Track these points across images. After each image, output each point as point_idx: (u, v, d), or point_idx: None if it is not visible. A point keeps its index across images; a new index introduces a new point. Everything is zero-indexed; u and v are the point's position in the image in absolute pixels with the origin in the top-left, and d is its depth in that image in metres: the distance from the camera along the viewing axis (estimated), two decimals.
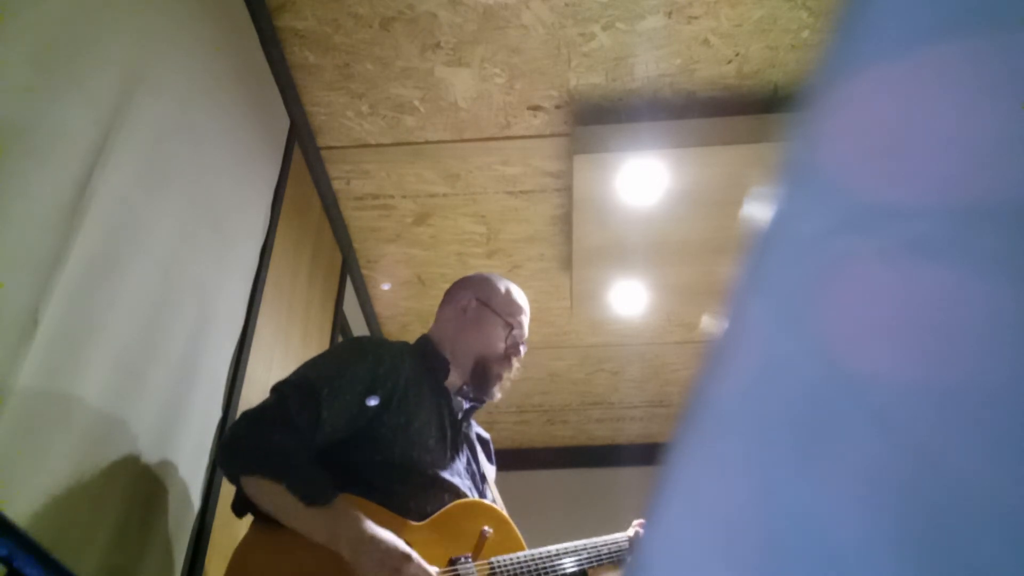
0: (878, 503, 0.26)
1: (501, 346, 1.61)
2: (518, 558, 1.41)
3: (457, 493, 1.45)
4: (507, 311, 1.64)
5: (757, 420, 0.31)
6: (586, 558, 1.49)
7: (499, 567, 1.38)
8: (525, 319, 1.67)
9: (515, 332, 1.63)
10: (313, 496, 1.25)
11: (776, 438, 0.30)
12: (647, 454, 3.53)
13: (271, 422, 1.33)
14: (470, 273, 1.78)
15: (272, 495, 1.27)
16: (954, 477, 0.25)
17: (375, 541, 1.24)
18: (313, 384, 1.38)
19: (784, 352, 0.31)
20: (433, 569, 1.27)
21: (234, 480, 1.33)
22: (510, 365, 1.62)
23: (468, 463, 1.57)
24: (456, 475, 1.49)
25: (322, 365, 1.46)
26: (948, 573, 0.24)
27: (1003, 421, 0.24)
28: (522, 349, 1.65)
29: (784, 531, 0.27)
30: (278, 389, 1.40)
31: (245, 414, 1.36)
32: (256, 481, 1.28)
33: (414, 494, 1.39)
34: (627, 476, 3.50)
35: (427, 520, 1.37)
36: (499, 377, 1.60)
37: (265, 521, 1.30)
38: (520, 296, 1.69)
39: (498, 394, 1.61)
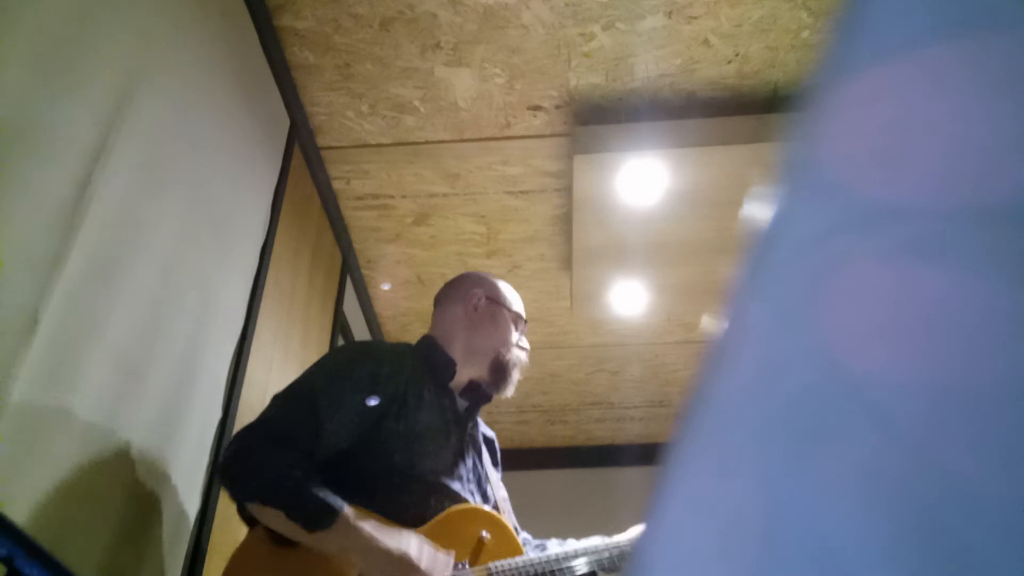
0: (875, 501, 0.26)
1: (514, 340, 1.64)
2: (515, 563, 1.40)
3: (456, 499, 1.42)
4: (514, 305, 1.69)
5: (756, 419, 0.31)
6: (586, 562, 1.46)
7: (496, 573, 1.37)
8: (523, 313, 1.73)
9: (522, 326, 1.67)
10: (314, 522, 1.25)
11: (775, 437, 0.30)
12: (647, 454, 3.53)
13: (269, 440, 1.33)
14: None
15: (275, 520, 1.27)
16: (950, 475, 0.25)
17: (383, 554, 1.25)
18: (312, 395, 1.38)
19: (783, 351, 0.31)
20: (445, 558, 1.29)
21: (236, 502, 1.35)
22: (524, 358, 1.66)
23: (474, 466, 1.55)
24: (458, 480, 1.46)
25: (322, 373, 1.46)
26: (945, 570, 0.24)
27: (999, 420, 0.24)
28: (526, 342, 1.69)
29: (783, 530, 0.28)
30: (277, 401, 1.40)
31: (242, 432, 1.35)
32: (257, 507, 1.29)
33: (413, 501, 1.38)
34: (627, 476, 3.50)
35: (424, 526, 1.36)
36: (515, 370, 1.63)
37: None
38: (515, 291, 1.75)
39: (512, 389, 1.62)
